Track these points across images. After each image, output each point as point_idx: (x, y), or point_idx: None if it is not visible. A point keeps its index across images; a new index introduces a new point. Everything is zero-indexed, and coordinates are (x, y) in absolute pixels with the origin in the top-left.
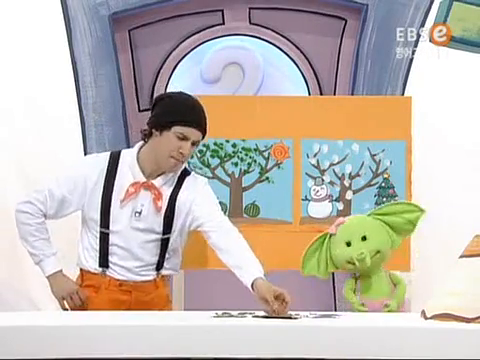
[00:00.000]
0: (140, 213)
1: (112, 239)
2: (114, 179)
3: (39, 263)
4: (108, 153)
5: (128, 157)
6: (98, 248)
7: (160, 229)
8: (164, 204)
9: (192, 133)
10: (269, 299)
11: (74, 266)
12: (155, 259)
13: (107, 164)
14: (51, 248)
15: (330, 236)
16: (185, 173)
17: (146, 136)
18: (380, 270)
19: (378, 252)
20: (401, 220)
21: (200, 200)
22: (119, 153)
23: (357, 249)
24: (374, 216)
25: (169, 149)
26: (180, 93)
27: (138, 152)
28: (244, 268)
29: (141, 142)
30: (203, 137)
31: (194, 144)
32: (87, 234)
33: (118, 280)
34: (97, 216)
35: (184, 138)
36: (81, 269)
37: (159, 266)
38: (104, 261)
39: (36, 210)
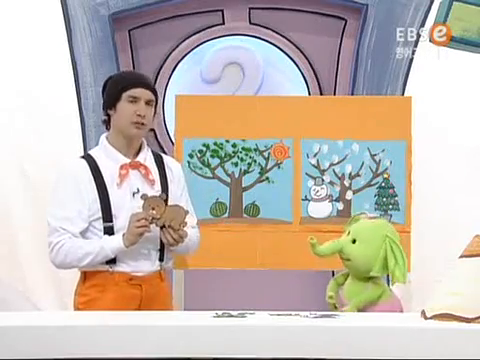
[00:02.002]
0: (138, 192)
1: (117, 230)
2: (101, 173)
3: (111, 250)
4: (78, 158)
5: (100, 151)
6: None
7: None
8: (156, 182)
9: (142, 92)
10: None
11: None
12: (158, 246)
13: (87, 164)
14: (96, 240)
15: None
16: (155, 153)
17: (107, 123)
18: (363, 276)
19: (348, 259)
20: (392, 268)
21: (184, 195)
22: (88, 154)
23: (338, 240)
24: (389, 241)
25: (127, 116)
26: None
27: (107, 141)
28: None
29: (105, 134)
30: (156, 98)
31: (149, 104)
32: (87, 235)
33: (128, 274)
34: (98, 213)
35: (136, 99)
36: (84, 271)
37: (162, 256)
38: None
39: (63, 241)
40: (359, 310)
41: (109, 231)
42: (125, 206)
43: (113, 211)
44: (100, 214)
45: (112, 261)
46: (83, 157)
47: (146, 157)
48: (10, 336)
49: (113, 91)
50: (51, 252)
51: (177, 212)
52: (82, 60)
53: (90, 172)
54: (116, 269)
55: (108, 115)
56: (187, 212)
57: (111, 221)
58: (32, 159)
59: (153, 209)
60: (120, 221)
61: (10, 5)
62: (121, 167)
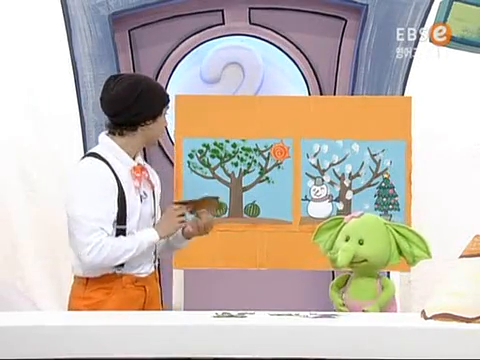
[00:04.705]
0: (146, 195)
1: (128, 233)
2: (117, 175)
3: (148, 245)
4: (93, 158)
5: (107, 152)
6: None
7: (153, 212)
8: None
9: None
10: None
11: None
12: (154, 247)
13: (107, 166)
14: (132, 237)
15: (344, 224)
16: None
17: (123, 129)
18: (372, 274)
19: (365, 260)
20: (408, 249)
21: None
22: (97, 154)
23: (346, 247)
24: (390, 227)
25: (162, 130)
26: (135, 77)
27: (115, 143)
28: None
29: (105, 133)
30: None
31: None
32: None
33: (133, 276)
34: (114, 215)
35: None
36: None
37: (155, 257)
38: None
39: (102, 242)
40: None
41: (120, 233)
42: (136, 210)
43: (128, 216)
44: (115, 216)
45: (120, 264)
46: (96, 157)
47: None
48: (10, 336)
49: (157, 104)
50: (90, 252)
51: (210, 204)
52: (82, 60)
53: (112, 174)
54: (123, 271)
55: (134, 123)
56: (217, 198)
57: (125, 223)
58: (32, 159)
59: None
60: (131, 223)
61: (10, 5)
62: (134, 169)
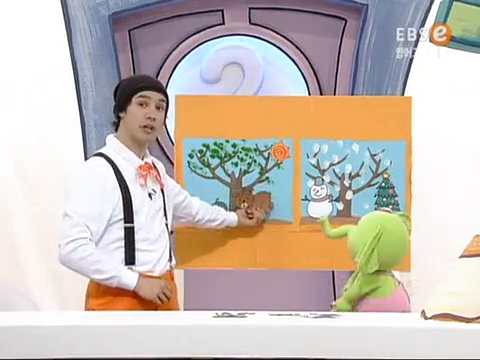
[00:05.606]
0: (155, 192)
1: (137, 230)
2: (121, 174)
3: (118, 282)
4: (98, 157)
5: (113, 152)
6: (123, 245)
7: (163, 209)
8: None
9: (152, 95)
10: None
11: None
12: (168, 246)
13: (109, 165)
14: (116, 261)
15: None
16: None
17: (117, 126)
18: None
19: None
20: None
21: (174, 182)
22: (103, 154)
23: (349, 227)
24: (378, 232)
25: (137, 120)
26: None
27: (119, 142)
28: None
29: (112, 134)
30: (167, 101)
31: (159, 108)
32: (106, 235)
33: (147, 274)
34: (121, 214)
35: (145, 103)
36: None
37: (170, 256)
38: (130, 257)
39: (84, 241)
40: (353, 304)
41: (129, 232)
42: (144, 207)
43: (135, 215)
44: (122, 215)
45: (131, 262)
46: (101, 156)
47: (150, 159)
48: (10, 336)
49: (124, 93)
50: (68, 244)
51: (264, 198)
52: (82, 60)
53: (113, 173)
54: (136, 270)
55: (119, 117)
56: (270, 194)
57: (132, 222)
58: (32, 159)
59: (244, 201)
60: (139, 222)
61: (10, 5)
62: (141, 168)
